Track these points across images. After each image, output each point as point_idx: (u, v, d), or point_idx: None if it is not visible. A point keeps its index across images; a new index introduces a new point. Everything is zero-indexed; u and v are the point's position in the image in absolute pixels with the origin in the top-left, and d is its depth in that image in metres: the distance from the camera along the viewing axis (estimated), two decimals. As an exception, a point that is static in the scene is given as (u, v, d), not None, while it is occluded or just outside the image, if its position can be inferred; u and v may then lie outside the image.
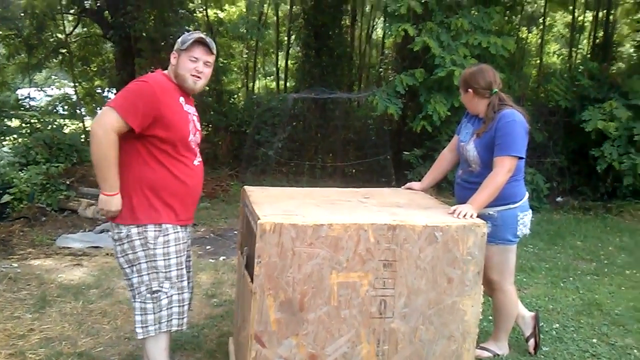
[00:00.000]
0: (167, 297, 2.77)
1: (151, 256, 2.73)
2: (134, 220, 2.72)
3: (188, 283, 2.94)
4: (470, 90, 3.31)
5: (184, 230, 2.88)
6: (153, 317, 2.77)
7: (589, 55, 11.97)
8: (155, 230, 2.73)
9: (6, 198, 6.66)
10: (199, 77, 2.85)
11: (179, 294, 2.82)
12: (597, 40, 12.08)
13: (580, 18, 13.22)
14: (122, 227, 2.73)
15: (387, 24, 9.43)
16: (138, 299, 2.77)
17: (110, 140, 2.59)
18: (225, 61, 12.96)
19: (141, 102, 2.63)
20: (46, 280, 4.69)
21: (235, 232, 6.32)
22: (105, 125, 2.59)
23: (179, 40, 2.85)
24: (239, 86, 14.59)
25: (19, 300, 4.23)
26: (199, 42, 2.82)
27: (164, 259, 2.75)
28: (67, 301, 4.23)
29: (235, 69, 14.48)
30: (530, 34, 13.56)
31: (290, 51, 14.22)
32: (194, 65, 2.82)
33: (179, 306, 2.82)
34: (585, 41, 13.40)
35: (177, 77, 2.84)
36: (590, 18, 12.96)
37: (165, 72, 2.89)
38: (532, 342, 3.57)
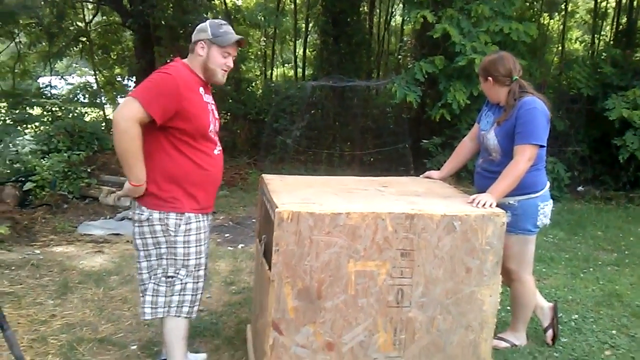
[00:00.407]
0: (182, 283, 2.80)
1: (171, 242, 2.74)
2: (157, 207, 2.73)
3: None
4: (490, 78, 3.28)
5: (206, 219, 2.89)
6: (164, 300, 2.80)
7: (611, 42, 11.77)
8: (176, 219, 2.73)
9: (29, 185, 6.76)
10: (226, 71, 2.87)
11: (194, 282, 2.83)
12: (621, 27, 11.86)
13: (603, 4, 12.99)
14: (145, 210, 2.74)
15: (405, 11, 9.34)
16: (152, 280, 2.80)
17: (134, 132, 2.56)
18: (243, 49, 12.96)
19: (163, 95, 2.60)
20: (68, 267, 4.75)
21: (254, 220, 6.34)
22: (127, 116, 2.56)
23: (209, 30, 2.79)
24: (257, 74, 14.59)
25: (41, 286, 4.30)
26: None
27: (184, 247, 2.76)
28: (88, 287, 4.29)
29: (253, 57, 14.48)
30: (552, 20, 13.36)
31: (308, 39, 14.17)
32: (225, 61, 2.83)
33: (192, 294, 2.84)
34: (608, 28, 13.17)
35: (206, 71, 2.82)
36: (613, 4, 12.73)
37: (185, 61, 2.85)
38: (550, 332, 3.54)
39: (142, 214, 2.75)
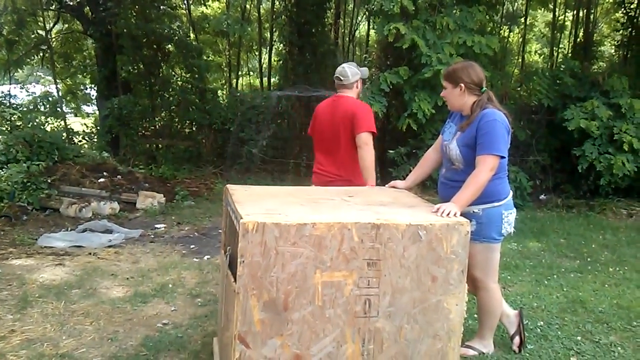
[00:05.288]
0: None
1: None
2: None
3: None
4: (462, 85, 3.27)
5: None
6: None
7: (570, 54, 12.08)
8: None
9: (-14, 197, 6.58)
10: None
11: None
12: (578, 39, 12.20)
13: (561, 17, 13.34)
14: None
15: (376, 23, 9.41)
16: None
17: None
18: (208, 58, 12.89)
19: None
20: (27, 281, 4.62)
21: (220, 231, 6.27)
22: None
23: (364, 72, 4.33)
24: (222, 83, 14.51)
25: (0, 300, 4.17)
26: None
27: None
28: (48, 301, 4.17)
29: (219, 65, 14.41)
30: (511, 33, 13.66)
31: (273, 48, 14.18)
32: None
33: None
34: (566, 40, 13.53)
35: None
36: (571, 17, 13.09)
37: (349, 95, 4.28)
38: (517, 339, 3.58)
39: None
